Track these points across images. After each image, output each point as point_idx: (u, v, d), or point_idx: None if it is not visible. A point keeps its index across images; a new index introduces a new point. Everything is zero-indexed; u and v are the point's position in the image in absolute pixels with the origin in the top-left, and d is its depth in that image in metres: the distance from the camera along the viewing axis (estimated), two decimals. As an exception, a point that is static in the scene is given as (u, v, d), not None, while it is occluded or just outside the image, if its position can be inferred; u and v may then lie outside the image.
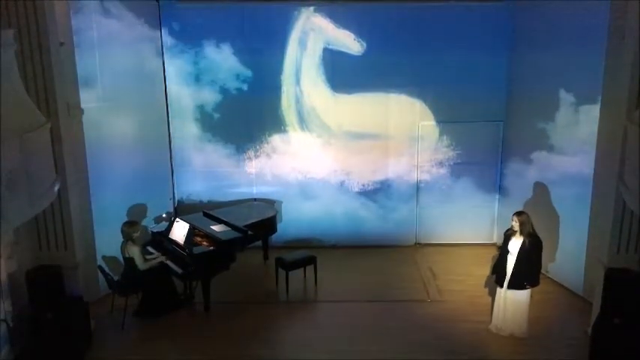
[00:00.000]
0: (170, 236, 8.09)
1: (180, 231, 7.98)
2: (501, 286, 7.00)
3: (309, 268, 8.64)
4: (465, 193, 9.81)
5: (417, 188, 9.82)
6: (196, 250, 7.73)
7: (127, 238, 7.46)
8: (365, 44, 9.17)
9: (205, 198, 9.84)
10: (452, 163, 9.70)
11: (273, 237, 9.36)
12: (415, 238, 10.05)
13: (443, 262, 9.38)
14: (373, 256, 9.63)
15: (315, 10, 9.11)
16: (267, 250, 9.39)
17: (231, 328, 7.48)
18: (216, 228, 8.28)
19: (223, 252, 7.82)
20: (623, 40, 6.59)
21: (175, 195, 9.80)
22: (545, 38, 8.33)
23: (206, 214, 8.83)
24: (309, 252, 8.80)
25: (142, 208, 8.64)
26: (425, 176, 9.78)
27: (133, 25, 8.46)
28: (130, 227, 7.48)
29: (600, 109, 7.46)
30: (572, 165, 8.13)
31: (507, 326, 7.07)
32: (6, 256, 6.24)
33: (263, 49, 9.23)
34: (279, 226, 9.28)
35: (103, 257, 8.06)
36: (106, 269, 7.71)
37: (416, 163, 9.71)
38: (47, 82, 6.60)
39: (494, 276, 7.21)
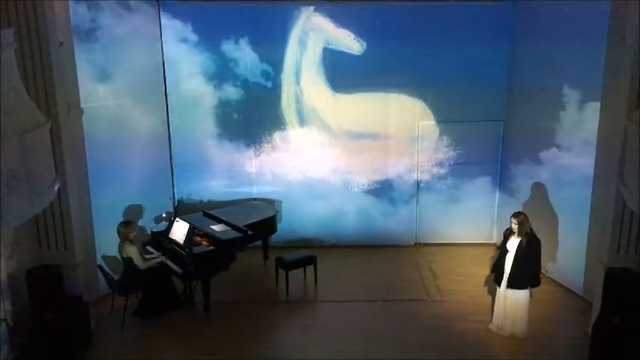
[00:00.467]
0: (170, 236, 8.09)
1: (180, 231, 7.98)
2: (500, 286, 7.01)
3: (309, 268, 8.64)
4: (465, 192, 9.81)
5: (417, 188, 9.82)
6: (196, 249, 7.73)
7: (124, 238, 7.45)
8: (365, 44, 9.16)
9: (205, 198, 9.84)
10: (452, 163, 9.69)
11: (273, 237, 9.35)
12: (415, 237, 10.04)
13: (443, 261, 9.38)
14: (373, 255, 9.63)
15: (315, 10, 9.10)
16: (267, 250, 9.37)
17: (231, 328, 7.48)
18: (216, 228, 8.28)
19: (223, 252, 7.82)
20: (623, 40, 6.59)
21: (175, 195, 9.80)
22: (545, 39, 8.32)
23: (206, 214, 8.82)
24: (309, 252, 8.80)
25: (138, 208, 8.62)
26: (425, 176, 9.77)
27: (133, 24, 8.45)
28: (126, 227, 7.47)
29: (600, 109, 7.46)
30: (572, 165, 8.13)
31: (507, 326, 7.07)
32: (6, 256, 6.25)
33: (263, 49, 9.22)
34: (279, 226, 9.28)
35: (103, 257, 8.06)
36: (106, 269, 7.71)
37: (416, 163, 9.71)
38: (47, 82, 6.61)
39: (493, 275, 7.22)
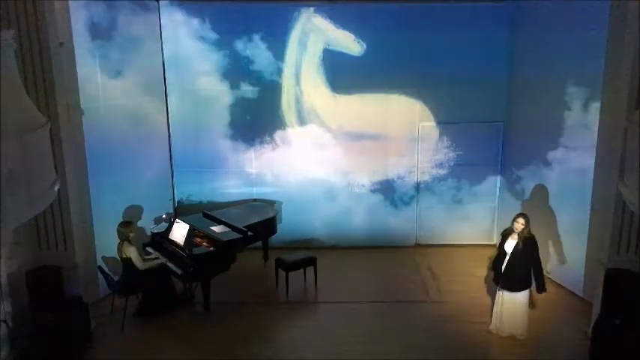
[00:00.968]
0: (170, 237, 8.09)
1: (180, 232, 7.98)
2: (499, 287, 7.01)
3: (309, 269, 8.62)
4: (465, 193, 9.81)
5: (418, 189, 9.82)
6: (196, 250, 7.73)
7: (123, 238, 7.45)
8: (365, 45, 9.17)
9: (205, 198, 9.84)
10: (452, 164, 9.69)
11: (273, 237, 9.34)
12: (415, 238, 10.04)
13: (443, 262, 9.38)
14: (373, 256, 9.63)
15: (316, 11, 9.11)
16: (267, 251, 9.37)
17: (231, 328, 7.48)
18: (216, 229, 8.27)
19: (223, 253, 7.81)
20: (623, 40, 6.59)
21: (175, 196, 9.80)
22: (545, 39, 8.32)
23: (206, 215, 8.82)
24: (309, 253, 8.79)
25: (138, 209, 8.62)
26: (425, 177, 9.77)
27: (133, 24, 8.46)
28: (125, 227, 7.47)
29: (600, 109, 7.46)
30: (572, 165, 8.13)
31: (507, 327, 7.06)
32: (6, 256, 6.25)
33: (263, 49, 9.22)
34: (280, 227, 9.28)
35: (103, 257, 8.05)
36: (106, 269, 7.71)
37: (416, 164, 9.71)
38: (47, 82, 6.62)
39: (493, 275, 7.21)
